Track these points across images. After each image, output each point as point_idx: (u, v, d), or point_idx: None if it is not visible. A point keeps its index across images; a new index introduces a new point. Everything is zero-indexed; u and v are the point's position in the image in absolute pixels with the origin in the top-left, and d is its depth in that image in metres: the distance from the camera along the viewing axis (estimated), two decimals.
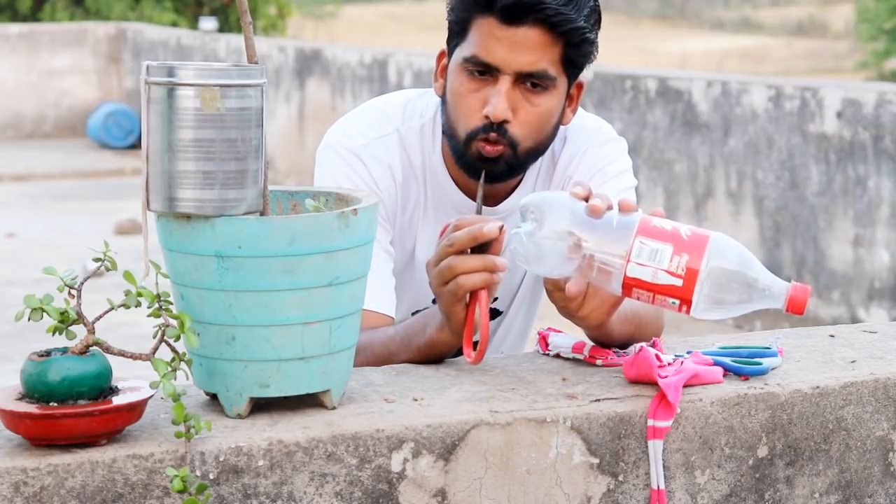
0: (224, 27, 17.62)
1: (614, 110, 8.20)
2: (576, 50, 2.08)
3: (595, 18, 2.09)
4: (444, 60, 2.17)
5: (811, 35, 31.02)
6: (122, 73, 15.53)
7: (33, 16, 18.44)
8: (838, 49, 27.82)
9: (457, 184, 2.19)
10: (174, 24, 17.76)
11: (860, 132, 6.78)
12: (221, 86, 1.56)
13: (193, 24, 17.60)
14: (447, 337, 1.91)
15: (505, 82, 2.06)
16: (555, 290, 1.81)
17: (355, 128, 2.20)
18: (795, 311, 1.70)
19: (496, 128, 2.06)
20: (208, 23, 15.20)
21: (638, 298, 1.73)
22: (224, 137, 1.57)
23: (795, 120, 7.12)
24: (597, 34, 2.11)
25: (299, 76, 11.98)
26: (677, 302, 1.70)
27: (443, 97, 2.16)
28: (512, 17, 2.03)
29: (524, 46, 2.05)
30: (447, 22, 2.13)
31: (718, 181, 7.64)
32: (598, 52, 2.12)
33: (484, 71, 2.07)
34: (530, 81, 2.07)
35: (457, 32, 2.11)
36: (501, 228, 1.84)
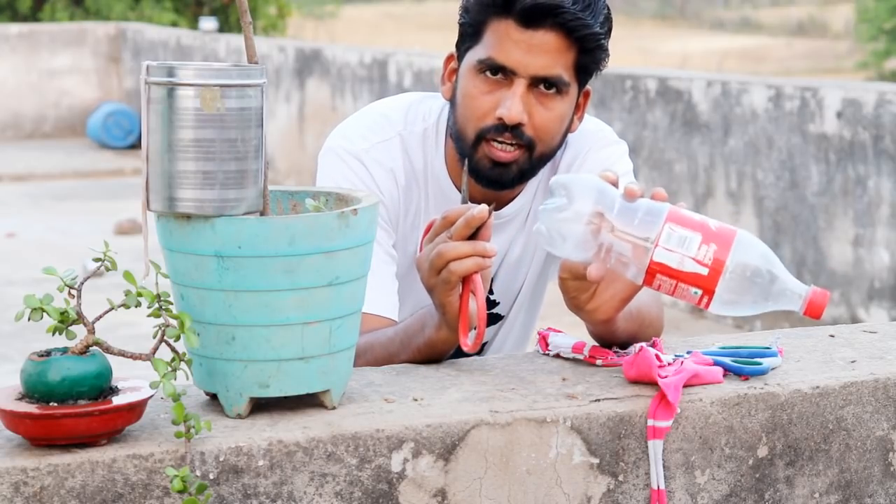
0: (224, 27, 17.62)
1: (614, 110, 8.20)
2: (589, 56, 2.08)
3: (608, 26, 2.09)
4: (453, 64, 2.15)
5: (811, 35, 31.01)
6: (122, 73, 15.54)
7: (33, 16, 18.44)
8: (838, 49, 27.81)
9: (458, 189, 2.19)
10: (174, 24, 17.76)
11: (860, 132, 6.78)
12: (221, 86, 1.56)
13: (193, 24, 17.61)
14: (445, 335, 1.90)
15: (520, 85, 2.05)
16: (570, 277, 1.79)
17: (357, 132, 2.19)
18: (813, 314, 1.70)
19: (512, 129, 2.05)
20: (208, 23, 15.20)
21: (658, 287, 1.71)
22: (224, 137, 1.57)
23: (795, 120, 7.12)
24: (608, 42, 2.11)
25: (299, 76, 11.98)
26: (699, 292, 1.69)
27: (451, 101, 2.14)
28: (530, 20, 2.03)
29: (541, 50, 2.04)
30: (459, 25, 2.11)
31: (718, 181, 7.64)
32: (608, 59, 2.12)
33: (498, 73, 2.06)
34: (544, 85, 2.06)
35: (470, 35, 2.10)
36: (490, 212, 1.83)
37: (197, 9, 18.55)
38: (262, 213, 1.63)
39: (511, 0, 2.03)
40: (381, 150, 2.17)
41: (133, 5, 18.41)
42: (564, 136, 2.14)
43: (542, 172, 2.21)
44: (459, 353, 2.25)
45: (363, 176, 2.15)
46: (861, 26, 24.25)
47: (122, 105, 14.68)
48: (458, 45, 2.14)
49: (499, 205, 2.19)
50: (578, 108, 2.15)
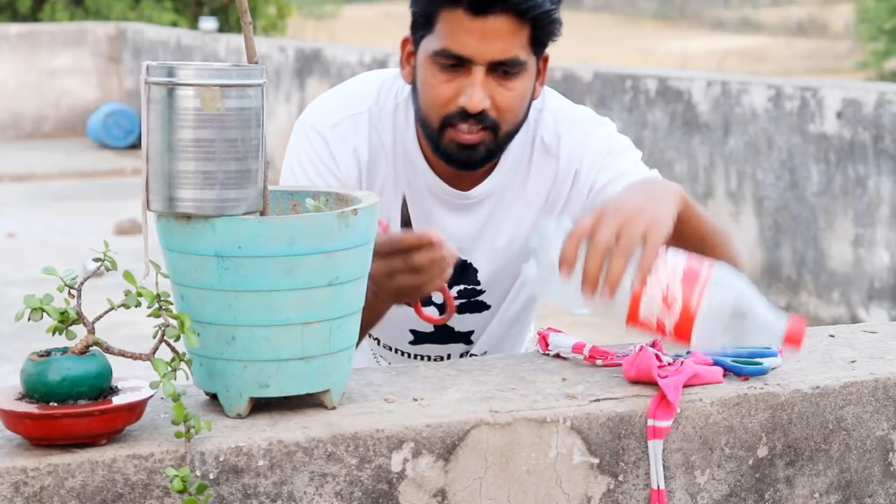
0: (224, 27, 17.61)
1: (614, 110, 8.20)
2: (543, 31, 2.09)
3: None
4: (409, 47, 2.15)
5: (811, 35, 30.99)
6: (122, 73, 15.54)
7: (33, 16, 18.44)
8: (838, 49, 27.79)
9: (430, 164, 2.19)
10: (174, 24, 17.76)
11: (860, 132, 6.78)
12: (221, 86, 1.56)
13: (193, 24, 17.61)
14: (380, 304, 2.02)
15: (479, 73, 2.06)
16: None
17: (329, 105, 2.22)
18: (793, 343, 1.74)
19: (475, 115, 2.07)
20: (208, 23, 15.20)
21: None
22: (224, 137, 1.57)
23: (795, 120, 7.12)
24: (559, 12, 2.11)
25: (299, 76, 11.99)
26: (676, 341, 1.76)
27: (413, 87, 2.15)
28: (480, 8, 2.03)
29: (494, 36, 2.04)
30: (412, 11, 2.12)
31: (718, 181, 7.64)
32: (562, 27, 2.12)
33: (455, 62, 2.07)
34: (503, 69, 2.07)
35: (422, 24, 2.10)
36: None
37: (197, 9, 18.54)
38: (262, 213, 1.63)
39: None
40: (348, 126, 2.19)
41: (133, 5, 18.41)
42: (529, 106, 2.15)
43: (526, 154, 2.20)
44: (454, 340, 2.25)
45: (323, 155, 2.17)
46: (861, 26, 24.22)
47: (122, 105, 14.68)
48: (412, 31, 2.14)
49: (471, 183, 2.19)
50: (539, 75, 2.15)
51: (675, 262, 1.75)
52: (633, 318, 1.75)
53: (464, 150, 2.09)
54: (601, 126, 2.23)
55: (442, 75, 2.08)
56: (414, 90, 2.14)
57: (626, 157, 2.19)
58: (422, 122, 2.13)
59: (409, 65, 2.16)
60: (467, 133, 2.08)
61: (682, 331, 1.73)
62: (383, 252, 1.93)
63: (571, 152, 2.21)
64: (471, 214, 2.20)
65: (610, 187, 2.16)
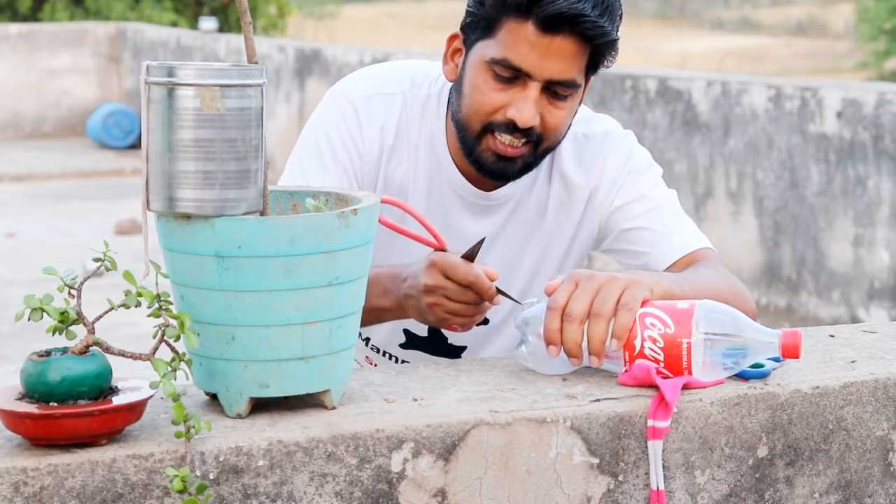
0: (224, 27, 17.61)
1: (614, 110, 8.20)
2: (602, 56, 2.08)
3: (620, 23, 2.09)
4: (457, 44, 2.13)
5: (811, 35, 30.98)
6: (122, 73, 15.54)
7: (33, 16, 18.44)
8: (838, 49, 27.78)
9: (456, 164, 2.18)
10: (174, 24, 17.76)
11: (860, 132, 6.78)
12: (221, 86, 1.56)
13: (193, 24, 17.60)
14: (401, 315, 2.03)
15: (535, 89, 2.04)
16: None
17: (365, 80, 2.22)
18: (790, 356, 1.77)
19: (522, 129, 2.05)
20: (208, 23, 15.20)
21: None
22: (224, 137, 1.57)
23: (795, 120, 7.12)
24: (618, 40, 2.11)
25: (299, 76, 11.99)
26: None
27: (456, 85, 2.13)
28: (550, 26, 2.01)
29: (557, 55, 2.03)
30: (470, 11, 2.09)
31: (718, 181, 7.64)
32: (617, 56, 2.12)
33: (512, 73, 2.05)
34: (557, 89, 2.06)
35: (483, 27, 2.07)
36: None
37: (197, 9, 18.54)
38: (262, 213, 1.63)
39: (532, 3, 2.01)
40: (380, 102, 2.18)
41: (133, 5, 18.41)
42: (570, 126, 2.14)
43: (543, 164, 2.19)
44: (444, 353, 2.24)
45: (351, 124, 2.16)
46: (861, 26, 24.22)
47: (122, 105, 14.68)
48: (464, 30, 2.11)
49: (491, 186, 2.18)
50: (582, 95, 2.15)
51: (657, 308, 1.78)
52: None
53: (501, 161, 2.09)
54: (621, 142, 2.22)
55: (495, 83, 2.06)
56: (457, 90, 2.12)
57: (647, 177, 2.19)
58: (459, 124, 2.11)
59: (453, 62, 2.14)
60: (509, 146, 2.07)
61: (681, 369, 1.76)
62: (446, 273, 1.94)
63: (590, 171, 2.20)
64: (489, 217, 2.19)
65: (628, 208, 2.17)
